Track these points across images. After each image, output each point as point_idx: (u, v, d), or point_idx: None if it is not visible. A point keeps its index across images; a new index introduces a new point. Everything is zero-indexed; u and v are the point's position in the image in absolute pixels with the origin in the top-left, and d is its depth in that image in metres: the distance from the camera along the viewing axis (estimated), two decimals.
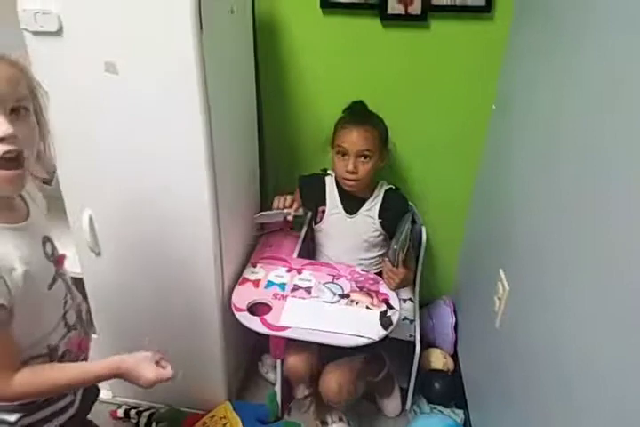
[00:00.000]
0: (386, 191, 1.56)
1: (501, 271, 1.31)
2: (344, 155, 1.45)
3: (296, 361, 1.45)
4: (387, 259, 1.46)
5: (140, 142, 1.17)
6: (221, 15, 1.19)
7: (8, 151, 0.71)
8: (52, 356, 0.85)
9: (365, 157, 1.43)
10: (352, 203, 1.55)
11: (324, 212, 1.57)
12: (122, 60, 1.07)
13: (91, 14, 1.04)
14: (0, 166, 0.72)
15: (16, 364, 0.79)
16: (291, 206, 1.57)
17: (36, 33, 1.06)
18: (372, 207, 1.54)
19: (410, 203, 1.71)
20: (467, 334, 1.72)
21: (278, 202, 1.57)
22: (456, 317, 1.81)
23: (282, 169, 1.77)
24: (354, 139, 1.42)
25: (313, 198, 1.59)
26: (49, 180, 1.29)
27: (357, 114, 1.48)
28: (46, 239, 0.86)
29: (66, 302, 0.89)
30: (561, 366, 0.92)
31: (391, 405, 1.64)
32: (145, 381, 0.90)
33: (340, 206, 1.55)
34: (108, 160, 1.21)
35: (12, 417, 0.84)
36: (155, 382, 0.91)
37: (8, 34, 1.07)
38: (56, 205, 1.39)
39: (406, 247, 1.43)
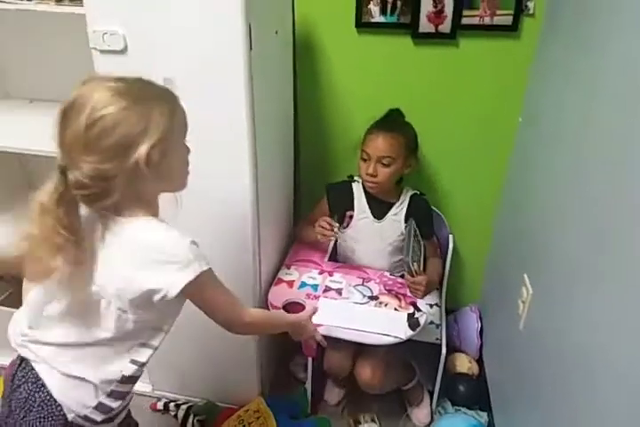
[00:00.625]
0: (411, 196, 1.62)
1: (525, 276, 1.36)
2: (367, 159, 1.52)
3: (337, 361, 1.52)
4: (405, 274, 1.52)
5: (194, 150, 1.27)
6: (268, 36, 1.30)
7: None
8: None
9: (386, 162, 1.50)
10: (379, 207, 1.61)
11: (351, 217, 1.62)
12: (179, 75, 1.17)
13: (152, 35, 1.16)
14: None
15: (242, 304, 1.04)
16: (331, 229, 1.55)
17: (103, 51, 1.17)
18: (399, 212, 1.60)
19: (437, 211, 1.79)
20: (492, 339, 1.77)
21: (319, 227, 1.55)
22: (482, 323, 1.86)
23: (314, 178, 1.86)
24: (377, 144, 1.49)
25: (341, 204, 1.64)
26: None
27: (386, 121, 1.56)
28: None
29: None
30: (584, 368, 0.96)
31: (421, 413, 1.67)
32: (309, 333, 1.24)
33: (368, 211, 1.61)
34: None
35: (116, 404, 0.97)
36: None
37: (76, 52, 1.20)
38: None
39: (420, 256, 1.50)
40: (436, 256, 1.69)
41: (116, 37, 1.15)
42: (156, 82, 0.92)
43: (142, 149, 0.83)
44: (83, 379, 0.93)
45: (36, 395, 0.92)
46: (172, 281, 0.88)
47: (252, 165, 1.28)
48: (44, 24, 1.44)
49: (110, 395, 0.95)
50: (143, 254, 0.88)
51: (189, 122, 1.20)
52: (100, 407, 0.95)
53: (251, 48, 1.14)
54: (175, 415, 1.63)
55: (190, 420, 1.59)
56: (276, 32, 1.34)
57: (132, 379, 0.98)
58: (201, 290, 0.94)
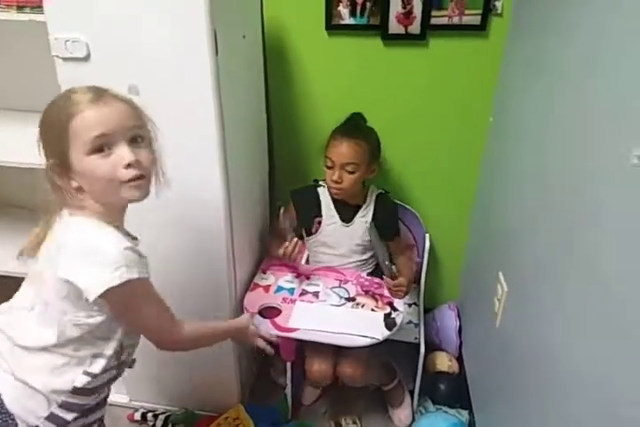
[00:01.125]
0: (377, 196, 1.63)
1: (500, 274, 1.37)
2: (331, 165, 1.52)
3: (320, 366, 1.50)
4: (384, 277, 1.52)
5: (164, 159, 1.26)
6: (235, 40, 1.28)
7: (135, 176, 0.88)
8: None
9: (351, 169, 1.50)
10: (347, 211, 1.61)
11: (319, 223, 1.62)
12: (144, 83, 1.16)
13: (115, 41, 1.14)
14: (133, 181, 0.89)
15: (178, 319, 1.01)
16: (296, 252, 1.52)
17: (65, 59, 1.15)
18: (367, 213, 1.61)
19: (412, 209, 1.80)
20: (470, 337, 1.79)
21: (285, 250, 1.50)
22: (460, 321, 1.87)
23: (290, 180, 1.84)
24: (341, 151, 1.49)
25: (308, 210, 1.63)
26: None
27: (349, 127, 1.56)
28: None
29: None
30: (556, 365, 0.97)
31: (402, 414, 1.67)
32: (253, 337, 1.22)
33: (337, 216, 1.61)
34: None
35: (69, 416, 0.94)
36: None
37: (39, 60, 1.18)
38: None
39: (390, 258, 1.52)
40: (404, 254, 1.68)
41: (79, 44, 1.13)
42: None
43: (48, 164, 0.87)
44: (34, 388, 0.92)
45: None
46: (94, 283, 0.84)
47: (223, 171, 1.26)
48: (5, 32, 1.41)
49: (62, 406, 0.93)
50: (74, 251, 0.87)
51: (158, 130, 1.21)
52: (52, 418, 0.93)
53: (217, 53, 1.13)
54: (153, 426, 1.62)
55: None
56: (244, 36, 1.33)
57: (85, 391, 0.95)
58: (125, 299, 0.89)
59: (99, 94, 0.87)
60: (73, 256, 0.86)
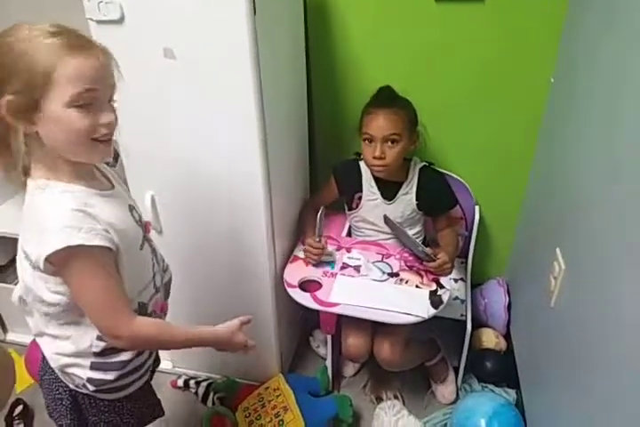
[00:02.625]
0: (420, 170, 1.52)
1: (558, 250, 1.28)
2: (371, 141, 1.42)
3: (355, 340, 1.48)
4: (424, 262, 1.44)
5: (199, 126, 1.22)
6: None
7: (108, 134, 0.82)
8: (141, 314, 0.92)
9: (393, 141, 1.40)
10: (389, 188, 1.52)
11: (360, 198, 1.55)
12: (179, 45, 1.11)
13: (150, 2, 1.08)
14: (101, 142, 0.82)
15: (130, 305, 0.86)
16: (319, 253, 1.46)
17: (99, 22, 1.11)
18: (409, 191, 1.52)
19: (461, 180, 1.70)
20: (520, 314, 1.71)
21: (308, 247, 1.46)
22: (509, 297, 1.79)
23: (331, 150, 1.78)
24: (380, 123, 1.39)
25: (350, 186, 1.56)
26: (113, 162, 1.38)
27: (382, 98, 1.45)
28: (132, 207, 0.94)
29: (154, 265, 0.97)
30: (617, 347, 0.91)
31: (446, 390, 1.64)
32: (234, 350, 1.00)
33: (378, 193, 1.53)
34: (168, 144, 1.26)
35: (109, 376, 0.93)
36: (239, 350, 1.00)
37: (74, 22, 1.14)
38: None
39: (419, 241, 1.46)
40: (448, 227, 1.59)
41: (112, 6, 1.09)
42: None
43: (3, 100, 0.74)
44: (64, 354, 0.91)
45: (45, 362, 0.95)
46: (38, 250, 0.77)
47: (262, 138, 1.21)
48: None
49: (95, 368, 0.92)
50: (28, 218, 0.81)
51: (192, 95, 1.17)
52: (92, 381, 0.92)
53: (255, 12, 1.06)
54: (196, 393, 1.65)
55: (210, 397, 1.60)
56: None
57: (109, 351, 0.91)
58: (69, 268, 0.79)
59: (84, 44, 0.78)
60: (26, 226, 0.81)
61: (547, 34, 1.44)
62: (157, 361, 1.15)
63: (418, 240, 1.53)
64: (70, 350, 0.90)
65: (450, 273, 1.43)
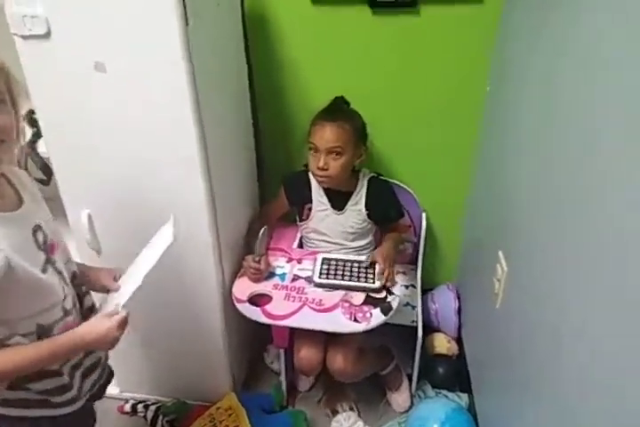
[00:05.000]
0: (369, 181, 1.53)
1: (500, 253, 1.31)
2: (316, 151, 1.43)
3: (307, 353, 1.46)
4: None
5: (134, 139, 1.18)
6: (208, 8, 1.18)
7: None
8: (42, 335, 0.87)
9: (337, 153, 1.41)
10: (338, 198, 1.53)
11: (310, 209, 1.55)
12: (110, 58, 1.07)
13: (77, 16, 1.04)
14: None
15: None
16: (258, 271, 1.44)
17: (25, 37, 1.06)
18: (359, 201, 1.52)
19: (407, 188, 1.73)
20: (470, 318, 1.74)
21: (248, 263, 1.45)
22: (459, 301, 1.82)
23: (279, 159, 1.77)
24: (325, 135, 1.40)
25: (299, 197, 1.56)
26: (46, 180, 1.32)
27: (331, 110, 1.46)
28: (37, 228, 0.88)
29: (63, 288, 0.91)
30: (559, 347, 0.93)
31: (401, 398, 1.63)
32: (103, 337, 0.90)
33: (328, 203, 1.53)
34: (102, 159, 1.22)
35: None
36: (113, 332, 0.90)
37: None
38: (52, 206, 1.43)
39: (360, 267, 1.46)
40: (394, 231, 1.60)
41: (38, 20, 1.05)
42: None
43: None
44: None
45: None
46: None
47: (202, 152, 1.19)
48: None
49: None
50: None
51: (125, 109, 1.13)
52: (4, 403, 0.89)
53: (187, 23, 1.04)
54: (144, 417, 1.59)
55: (160, 420, 1.54)
56: (218, 4, 1.23)
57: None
58: None
59: None
60: None
61: (480, 42, 1.49)
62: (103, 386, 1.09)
63: (364, 253, 1.54)
64: None
65: (389, 280, 1.42)
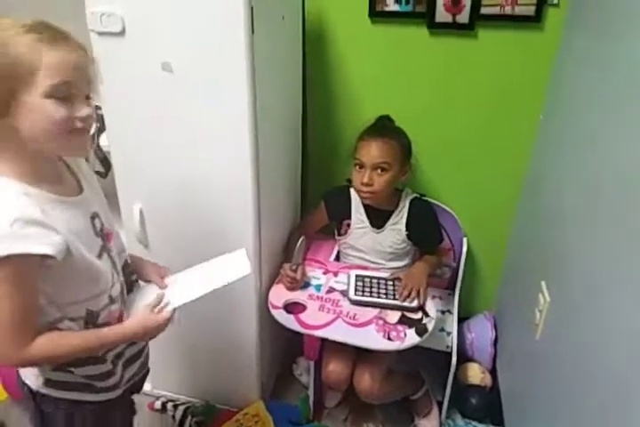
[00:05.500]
0: (411, 201, 1.52)
1: (543, 283, 1.28)
2: (361, 167, 1.44)
3: (336, 367, 1.45)
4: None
5: (191, 142, 1.22)
6: (273, 20, 1.24)
7: (84, 128, 0.80)
8: (89, 321, 0.89)
9: (382, 169, 1.42)
10: (378, 216, 1.52)
11: (349, 225, 1.55)
12: (177, 59, 1.13)
13: (151, 17, 1.11)
14: (77, 135, 0.80)
15: (32, 331, 0.81)
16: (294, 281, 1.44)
17: (101, 33, 1.13)
18: (399, 220, 1.51)
19: (451, 211, 1.71)
20: (506, 349, 1.67)
21: (286, 272, 1.45)
22: (496, 332, 1.76)
23: (324, 173, 1.80)
24: (371, 151, 1.41)
25: (339, 212, 1.56)
26: (104, 173, 1.38)
27: (377, 127, 1.47)
28: (95, 215, 0.91)
29: (113, 275, 0.93)
30: (603, 382, 0.89)
31: (429, 425, 1.59)
32: (147, 332, 0.93)
33: (367, 221, 1.53)
34: (160, 158, 1.26)
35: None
36: (159, 328, 0.93)
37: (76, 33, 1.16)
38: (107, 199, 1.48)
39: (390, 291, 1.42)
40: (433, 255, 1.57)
41: (114, 18, 1.11)
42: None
43: None
44: None
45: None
46: None
47: (254, 158, 1.22)
48: (44, 7, 1.40)
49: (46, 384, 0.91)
50: None
51: (187, 109, 1.18)
52: (48, 383, 0.91)
53: (253, 32, 1.09)
54: (173, 416, 1.59)
55: (188, 421, 1.55)
56: (283, 17, 1.29)
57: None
58: None
59: (61, 35, 0.77)
60: None
61: (537, 69, 1.49)
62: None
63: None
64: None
65: (411, 296, 1.38)
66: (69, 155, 0.87)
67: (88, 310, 0.89)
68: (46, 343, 0.82)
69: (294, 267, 1.44)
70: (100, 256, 0.89)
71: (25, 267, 0.76)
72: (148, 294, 1.01)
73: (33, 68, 0.73)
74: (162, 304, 0.96)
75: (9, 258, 0.72)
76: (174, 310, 0.95)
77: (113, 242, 0.95)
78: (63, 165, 0.89)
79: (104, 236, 0.92)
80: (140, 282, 1.06)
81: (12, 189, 0.77)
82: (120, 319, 0.95)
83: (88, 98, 0.81)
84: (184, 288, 1.01)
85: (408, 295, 1.38)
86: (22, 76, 0.73)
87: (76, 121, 0.78)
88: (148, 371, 1.12)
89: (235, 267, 1.04)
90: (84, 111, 0.78)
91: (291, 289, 1.45)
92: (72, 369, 0.91)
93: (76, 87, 0.78)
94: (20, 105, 0.75)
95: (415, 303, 1.37)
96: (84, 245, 0.83)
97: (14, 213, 0.74)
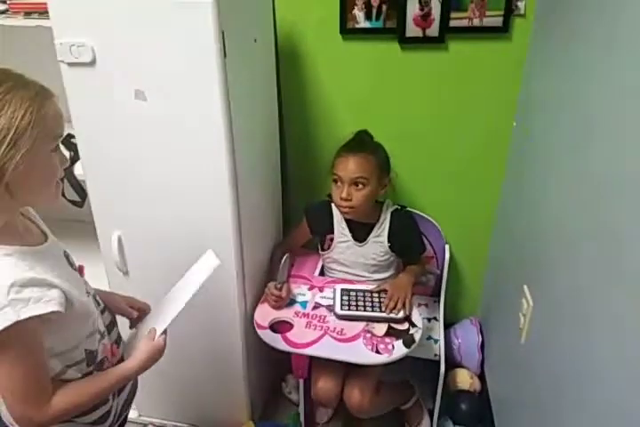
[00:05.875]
0: (392, 213, 1.53)
1: (525, 287, 1.30)
2: (339, 182, 1.45)
3: (325, 384, 1.45)
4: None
5: (169, 166, 1.22)
6: (245, 44, 1.24)
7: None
8: (90, 361, 0.88)
9: (360, 184, 1.43)
10: (360, 230, 1.53)
11: (332, 240, 1.56)
12: (151, 87, 1.12)
13: (121, 45, 1.11)
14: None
15: (49, 390, 0.80)
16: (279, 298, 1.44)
17: (71, 64, 1.13)
18: (381, 233, 1.52)
19: (432, 220, 1.72)
20: (493, 354, 1.70)
21: (271, 291, 1.45)
22: (482, 336, 1.78)
23: (305, 189, 1.80)
24: (348, 166, 1.42)
25: (321, 227, 1.57)
26: (80, 202, 1.36)
27: (355, 143, 1.48)
28: (66, 253, 0.91)
29: (96, 309, 0.93)
30: (589, 382, 0.90)
31: None
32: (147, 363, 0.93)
33: (349, 235, 1.54)
34: (136, 184, 1.26)
35: None
36: (156, 356, 0.94)
37: (45, 65, 1.15)
38: (82, 228, 1.45)
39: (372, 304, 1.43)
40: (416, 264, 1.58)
41: (84, 49, 1.11)
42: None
43: None
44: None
45: None
46: None
47: (233, 181, 1.22)
48: (13, 38, 1.39)
49: None
50: None
51: (162, 135, 1.17)
52: None
53: (225, 55, 1.09)
54: None
55: None
56: (255, 40, 1.29)
57: None
58: (6, 347, 0.74)
59: (43, 89, 0.77)
60: None
61: (507, 77, 1.52)
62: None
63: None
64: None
65: (396, 307, 1.39)
66: (54, 202, 0.83)
67: (87, 351, 0.88)
68: (64, 399, 0.81)
69: (279, 285, 1.44)
70: (87, 294, 0.89)
71: (30, 329, 0.75)
72: (140, 331, 1.03)
73: (45, 123, 0.74)
74: (151, 334, 0.95)
75: (16, 324, 0.72)
76: (164, 332, 0.96)
77: (84, 276, 0.95)
78: (23, 217, 0.87)
79: (78, 270, 0.92)
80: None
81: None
82: (113, 352, 0.95)
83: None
84: (166, 308, 1.01)
85: (394, 307, 1.39)
86: (28, 137, 0.73)
87: (61, 168, 0.80)
88: (134, 396, 1.10)
89: (205, 267, 1.04)
90: (66, 159, 0.81)
91: (276, 308, 1.45)
92: (77, 420, 0.90)
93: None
94: (27, 163, 0.73)
95: (402, 314, 1.38)
96: (75, 288, 0.83)
97: (6, 279, 0.73)
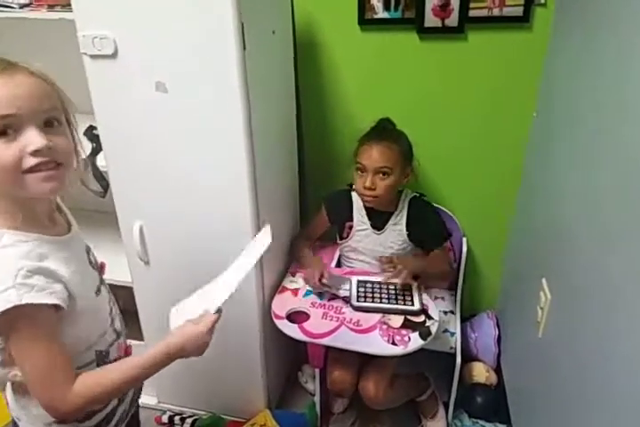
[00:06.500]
0: (410, 201, 1.53)
1: (544, 280, 1.29)
2: (363, 171, 1.44)
3: (340, 375, 1.46)
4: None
5: (189, 157, 1.23)
6: (264, 36, 1.25)
7: (44, 162, 0.72)
8: (100, 362, 0.87)
9: (384, 173, 1.42)
10: (379, 218, 1.53)
11: (351, 228, 1.56)
12: (171, 79, 1.14)
13: (142, 38, 1.12)
14: (33, 174, 0.73)
15: (72, 375, 0.77)
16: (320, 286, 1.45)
17: (93, 56, 1.14)
18: (399, 221, 1.52)
19: (449, 212, 1.72)
20: (510, 347, 1.69)
21: (309, 276, 1.47)
22: (499, 330, 1.78)
23: (321, 181, 1.81)
24: (373, 155, 1.41)
25: (340, 215, 1.57)
26: (103, 193, 1.38)
27: (378, 131, 1.47)
28: (88, 249, 0.90)
29: (112, 309, 0.92)
30: (605, 377, 0.90)
31: (436, 426, 1.60)
32: (195, 343, 0.88)
33: (368, 222, 1.54)
34: (157, 175, 1.27)
35: None
36: (204, 338, 0.88)
37: (69, 56, 1.17)
38: (104, 218, 1.47)
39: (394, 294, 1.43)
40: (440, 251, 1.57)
41: (106, 41, 1.12)
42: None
43: None
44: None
45: None
46: None
47: (251, 171, 1.23)
48: (36, 31, 1.41)
49: None
50: None
51: (183, 127, 1.19)
52: None
53: (244, 48, 1.10)
54: None
55: None
56: (274, 32, 1.30)
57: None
58: (9, 331, 0.73)
59: (4, 67, 0.71)
60: None
61: (528, 68, 1.50)
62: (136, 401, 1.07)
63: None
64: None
65: (397, 276, 1.40)
66: (34, 197, 0.77)
67: (97, 352, 0.87)
68: (89, 385, 0.78)
69: (320, 275, 1.44)
70: (97, 292, 0.87)
71: (40, 316, 0.73)
72: (188, 308, 0.95)
73: None
74: (198, 314, 0.89)
75: (22, 308, 0.70)
76: (219, 311, 0.89)
77: (104, 274, 0.93)
78: (54, 203, 0.85)
79: (98, 268, 0.91)
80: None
81: (8, 238, 0.74)
82: (127, 352, 0.94)
83: (49, 126, 0.74)
84: (219, 288, 0.95)
85: (390, 271, 1.40)
86: None
87: (26, 159, 0.71)
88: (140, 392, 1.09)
89: (259, 244, 0.99)
90: (35, 143, 0.71)
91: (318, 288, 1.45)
92: (78, 425, 0.88)
93: (18, 120, 0.70)
94: None
95: (399, 281, 1.40)
96: (83, 284, 0.81)
97: (16, 262, 0.72)
